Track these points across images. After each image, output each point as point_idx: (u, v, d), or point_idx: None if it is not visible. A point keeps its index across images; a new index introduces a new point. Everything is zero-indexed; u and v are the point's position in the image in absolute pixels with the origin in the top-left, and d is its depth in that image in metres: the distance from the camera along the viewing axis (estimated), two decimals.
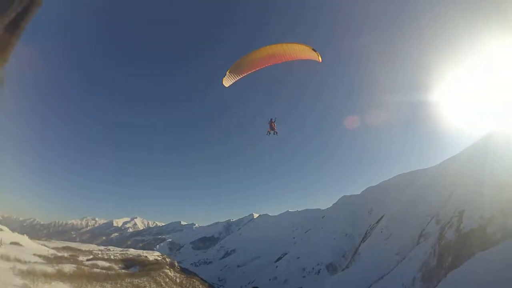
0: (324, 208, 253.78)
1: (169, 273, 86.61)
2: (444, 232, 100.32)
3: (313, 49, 17.06)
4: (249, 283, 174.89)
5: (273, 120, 23.96)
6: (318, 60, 17.39)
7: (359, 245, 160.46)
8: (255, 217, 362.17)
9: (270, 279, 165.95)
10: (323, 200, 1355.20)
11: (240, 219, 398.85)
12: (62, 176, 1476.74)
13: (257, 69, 18.26)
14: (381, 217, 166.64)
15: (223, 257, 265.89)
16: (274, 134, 24.13)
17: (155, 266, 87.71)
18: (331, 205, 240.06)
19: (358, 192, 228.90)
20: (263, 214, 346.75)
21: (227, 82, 18.68)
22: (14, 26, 2.07)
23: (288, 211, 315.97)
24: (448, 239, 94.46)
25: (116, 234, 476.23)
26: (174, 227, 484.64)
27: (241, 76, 18.63)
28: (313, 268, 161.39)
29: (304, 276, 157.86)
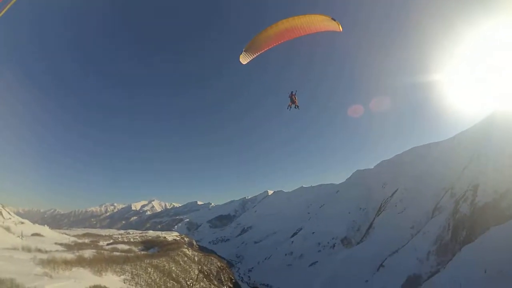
0: (338, 183, 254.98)
1: (187, 252, 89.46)
2: (458, 206, 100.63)
3: (332, 18, 16.40)
4: (265, 258, 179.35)
5: (293, 93, 22.83)
6: (338, 29, 16.44)
7: (374, 219, 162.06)
8: (269, 194, 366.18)
9: (286, 254, 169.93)
10: (337, 175, 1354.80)
11: (255, 196, 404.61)
12: (79, 166, 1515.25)
13: (275, 44, 17.69)
14: (395, 191, 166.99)
15: (240, 234, 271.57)
16: (295, 108, 22.88)
17: (174, 246, 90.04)
18: (345, 180, 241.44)
19: (372, 167, 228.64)
20: (278, 191, 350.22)
21: (244, 59, 18.12)
22: None
23: (302, 187, 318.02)
24: (463, 213, 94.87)
25: (135, 217, 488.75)
26: (191, 207, 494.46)
27: (259, 53, 18.09)
28: (328, 243, 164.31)
29: (319, 251, 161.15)
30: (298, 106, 22.81)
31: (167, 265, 72.23)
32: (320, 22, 16.60)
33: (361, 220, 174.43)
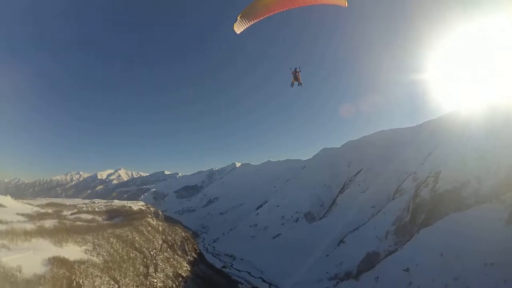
0: (305, 159, 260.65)
1: (152, 221, 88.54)
2: (419, 190, 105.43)
3: None
4: (230, 229, 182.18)
5: (298, 70, 21.90)
6: (344, 4, 15.62)
7: (337, 196, 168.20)
8: (237, 166, 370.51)
9: (250, 226, 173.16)
10: (304, 151, 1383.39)
11: (222, 168, 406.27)
12: (42, 133, 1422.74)
13: (271, 13, 16.42)
14: (359, 171, 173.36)
15: (206, 205, 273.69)
16: (298, 85, 22.27)
17: (138, 215, 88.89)
18: (311, 156, 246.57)
19: (339, 145, 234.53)
20: (245, 163, 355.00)
21: (239, 28, 16.79)
22: None
23: (269, 160, 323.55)
24: (423, 197, 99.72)
25: (101, 186, 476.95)
26: (158, 177, 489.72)
27: (254, 21, 16.72)
28: (291, 216, 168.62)
29: (283, 224, 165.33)
30: (301, 84, 22.19)
31: (130, 235, 70.97)
32: None
33: (325, 197, 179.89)
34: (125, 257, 57.99)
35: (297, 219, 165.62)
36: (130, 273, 52.70)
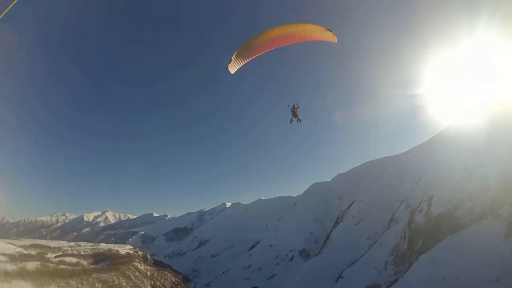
0: (295, 195, 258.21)
1: (139, 266, 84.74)
2: (414, 216, 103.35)
3: (328, 29, 16.10)
4: (223, 272, 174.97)
5: (296, 106, 22.18)
6: (333, 40, 16.40)
7: (331, 231, 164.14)
8: (227, 206, 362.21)
9: (244, 268, 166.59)
10: (294, 187, 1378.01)
11: (212, 208, 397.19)
12: (29, 173, 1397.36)
13: (265, 51, 16.95)
14: (352, 203, 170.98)
15: (197, 247, 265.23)
16: (297, 121, 22.41)
17: (125, 259, 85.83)
18: (302, 192, 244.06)
19: (329, 179, 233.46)
20: (236, 203, 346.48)
21: (233, 68, 17.14)
22: None
23: (260, 199, 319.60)
24: (418, 223, 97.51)
25: (87, 229, 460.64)
26: (146, 219, 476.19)
27: (248, 60, 17.17)
28: (286, 255, 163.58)
29: (277, 263, 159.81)
30: (300, 120, 22.48)
31: (116, 280, 67.01)
32: (315, 31, 16.42)
33: (319, 232, 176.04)
34: None
35: (292, 258, 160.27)
36: None
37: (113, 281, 65.19)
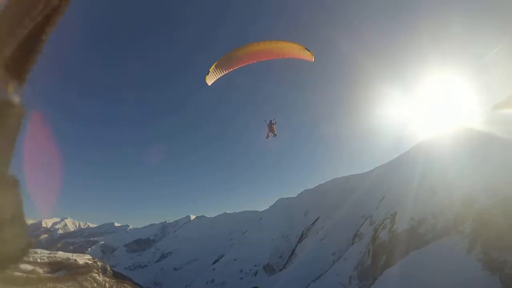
0: (261, 210, 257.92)
1: (98, 277, 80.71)
2: (377, 232, 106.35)
3: (306, 48, 16.45)
4: (186, 286, 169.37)
5: (273, 122, 22.39)
6: (310, 59, 16.87)
7: (296, 246, 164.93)
8: (192, 219, 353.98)
9: (207, 282, 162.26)
10: (261, 202, 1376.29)
11: (176, 220, 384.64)
12: None
13: (242, 65, 17.24)
14: (317, 219, 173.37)
15: (159, 260, 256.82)
16: (274, 136, 22.63)
17: (83, 270, 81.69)
18: (268, 207, 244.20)
19: (295, 195, 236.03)
20: (200, 216, 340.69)
21: (210, 80, 17.30)
22: (35, 39, 1.50)
23: (225, 212, 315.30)
24: (382, 239, 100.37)
25: (45, 235, 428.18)
26: (107, 229, 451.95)
27: (225, 73, 17.34)
28: (250, 270, 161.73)
29: (241, 278, 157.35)
30: (276, 135, 22.66)
31: None
32: (293, 49, 16.67)
33: (284, 247, 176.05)
34: None
35: (256, 272, 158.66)
36: None
37: None
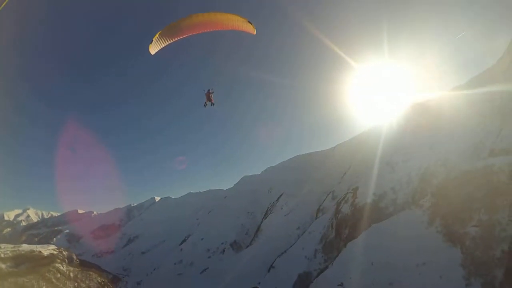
0: (226, 189, 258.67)
1: (61, 267, 78.38)
2: (340, 207, 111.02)
3: (249, 21, 17.12)
4: (154, 269, 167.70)
5: (210, 91, 23.09)
6: (252, 32, 17.53)
7: (261, 223, 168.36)
8: (157, 200, 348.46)
9: (175, 263, 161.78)
10: (225, 181, 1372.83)
11: (141, 203, 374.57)
12: None
13: (186, 36, 17.71)
14: (281, 195, 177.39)
15: (126, 244, 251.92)
16: (211, 105, 23.40)
17: (46, 261, 78.74)
18: (233, 185, 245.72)
19: (259, 172, 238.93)
20: (165, 197, 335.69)
21: (154, 49, 17.53)
22: None
23: (190, 192, 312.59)
24: (344, 213, 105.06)
25: (8, 229, 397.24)
26: (71, 217, 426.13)
27: (169, 43, 17.69)
28: (217, 248, 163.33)
29: (209, 257, 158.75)
30: (213, 104, 23.37)
31: (36, 284, 61.16)
32: (236, 22, 17.27)
33: (250, 224, 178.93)
34: None
35: (224, 250, 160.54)
36: None
37: (32, 285, 59.48)
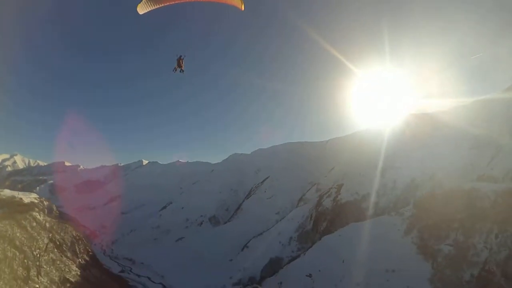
0: (214, 163, 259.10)
1: (38, 216, 77.81)
2: (322, 200, 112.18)
3: None
4: (131, 231, 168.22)
5: (181, 57, 23.22)
6: (240, 8, 17.66)
7: (243, 201, 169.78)
8: (144, 164, 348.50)
9: (153, 228, 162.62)
10: (214, 155, 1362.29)
11: (128, 164, 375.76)
12: None
13: (177, 2, 17.74)
14: (266, 178, 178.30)
15: (108, 203, 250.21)
16: (181, 72, 23.61)
17: (24, 208, 78.19)
18: (221, 160, 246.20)
19: (249, 152, 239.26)
20: (153, 162, 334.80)
21: (142, 9, 17.35)
22: None
23: (178, 161, 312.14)
24: (325, 206, 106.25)
25: None
26: (57, 168, 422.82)
27: (157, 7, 17.53)
28: (196, 220, 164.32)
29: (187, 227, 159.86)
30: (183, 71, 23.60)
31: (10, 229, 60.74)
32: None
33: (231, 201, 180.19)
34: (1, 256, 48.54)
35: (202, 223, 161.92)
36: (6, 275, 44.26)
37: (6, 231, 58.99)
